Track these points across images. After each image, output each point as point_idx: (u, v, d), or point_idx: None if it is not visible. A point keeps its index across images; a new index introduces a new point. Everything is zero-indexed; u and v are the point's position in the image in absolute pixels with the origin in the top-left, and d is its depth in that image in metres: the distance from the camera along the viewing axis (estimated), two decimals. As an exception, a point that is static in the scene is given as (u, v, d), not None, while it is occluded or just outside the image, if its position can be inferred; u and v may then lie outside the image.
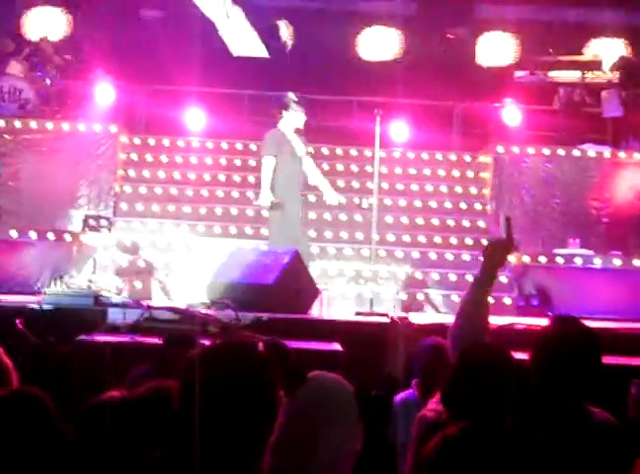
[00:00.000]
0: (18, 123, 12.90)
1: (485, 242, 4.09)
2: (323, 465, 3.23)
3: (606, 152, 13.28)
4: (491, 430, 2.62)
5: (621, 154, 13.23)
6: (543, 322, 4.17)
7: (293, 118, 10.32)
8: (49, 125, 12.98)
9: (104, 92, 13.48)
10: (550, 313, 10.24)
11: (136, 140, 13.96)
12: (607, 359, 6.45)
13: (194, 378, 2.81)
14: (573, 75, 13.90)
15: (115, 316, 7.86)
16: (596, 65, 13.85)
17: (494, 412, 3.15)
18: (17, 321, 7.26)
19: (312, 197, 13.02)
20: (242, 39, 10.51)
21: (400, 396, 5.58)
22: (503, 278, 11.66)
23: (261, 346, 3.10)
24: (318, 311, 9.65)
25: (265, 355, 3.02)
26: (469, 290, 3.88)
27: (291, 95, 10.35)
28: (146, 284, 11.16)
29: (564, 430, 3.60)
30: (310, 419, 3.30)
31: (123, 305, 8.00)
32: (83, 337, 7.19)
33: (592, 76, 13.79)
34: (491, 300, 3.98)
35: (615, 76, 13.71)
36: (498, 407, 3.19)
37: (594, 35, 15.26)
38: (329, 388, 3.40)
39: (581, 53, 14.01)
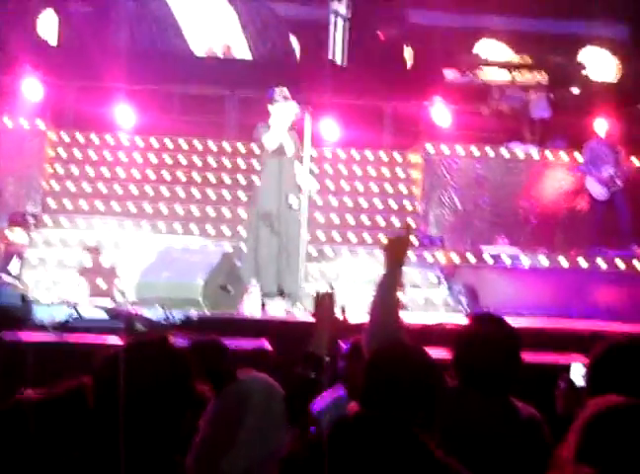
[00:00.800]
0: (-58, 119, 12.71)
1: (384, 240, 4.14)
2: (241, 464, 3.22)
3: (534, 152, 13.43)
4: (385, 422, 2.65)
5: (548, 154, 13.39)
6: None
7: (281, 113, 10.09)
8: (-25, 121, 12.79)
9: (31, 87, 13.29)
10: (473, 312, 10.32)
11: (65, 136, 13.78)
12: (535, 357, 6.55)
13: (106, 375, 2.79)
14: (503, 76, 14.04)
15: (42, 315, 7.77)
16: (524, 67, 14.01)
17: (405, 411, 3.16)
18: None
19: (243, 196, 13.03)
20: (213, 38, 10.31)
21: (326, 397, 5.52)
22: (432, 277, 11.76)
23: (178, 341, 3.09)
24: (249, 309, 9.60)
25: (179, 350, 3.00)
26: (377, 289, 3.89)
27: (278, 89, 10.10)
28: (109, 284, 11.02)
29: (492, 424, 3.63)
30: (234, 417, 3.29)
31: (50, 303, 7.91)
32: (7, 334, 7.09)
33: (521, 78, 13.93)
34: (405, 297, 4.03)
35: (544, 78, 13.87)
36: (411, 407, 3.20)
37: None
38: (256, 389, 3.39)
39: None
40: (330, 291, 4.01)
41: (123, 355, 2.83)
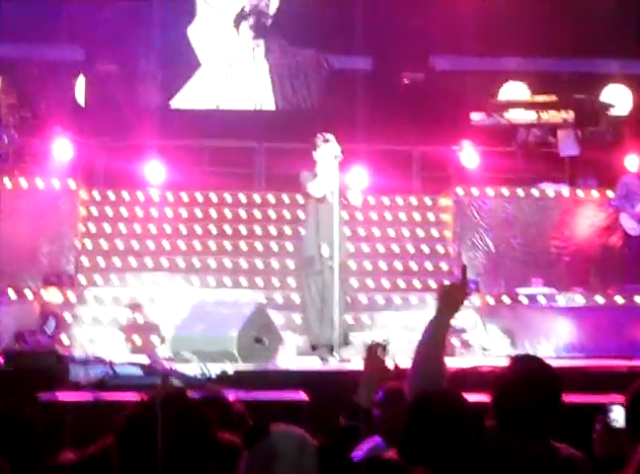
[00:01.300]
0: (-25, 182, 12.83)
1: (439, 285, 4.05)
2: None
3: (565, 191, 13.39)
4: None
5: (579, 192, 13.34)
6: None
7: (323, 157, 10.19)
8: (7, 183, 12.89)
9: (61, 148, 13.43)
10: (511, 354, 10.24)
11: (96, 195, 13.88)
12: (573, 397, 6.48)
13: (126, 433, 2.79)
14: (529, 116, 14.03)
15: (77, 373, 7.78)
16: (550, 105, 13.99)
17: (448, 459, 3.13)
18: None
19: (275, 247, 13.06)
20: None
21: (364, 447, 5.48)
22: (468, 320, 11.69)
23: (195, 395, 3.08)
24: (285, 360, 9.59)
25: (196, 402, 2.99)
26: (425, 334, 3.86)
27: (320, 134, 10.19)
28: (147, 340, 11.06)
29: (532, 467, 3.58)
30: (263, 471, 3.26)
31: (85, 362, 7.92)
32: (45, 395, 7.10)
33: (547, 116, 13.92)
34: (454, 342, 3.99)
35: (570, 116, 13.85)
36: (452, 454, 3.16)
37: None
38: (288, 442, 3.36)
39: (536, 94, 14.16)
40: (383, 342, 3.99)
41: (141, 412, 2.83)
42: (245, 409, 4.69)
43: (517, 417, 3.73)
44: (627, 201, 12.35)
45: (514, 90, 14.93)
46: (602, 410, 4.20)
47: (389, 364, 4.07)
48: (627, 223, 12.36)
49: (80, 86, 15.55)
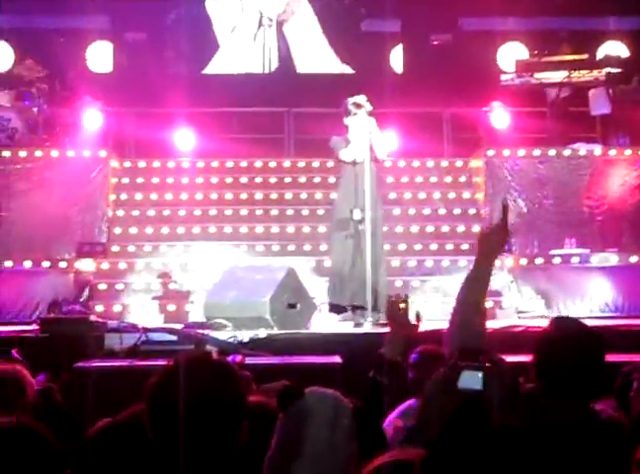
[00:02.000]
0: (7, 153, 12.87)
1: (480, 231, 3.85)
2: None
3: (597, 150, 13.27)
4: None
5: (612, 151, 13.22)
6: (542, 324, 4.11)
7: (356, 123, 10.13)
8: (38, 154, 12.94)
9: (91, 118, 13.47)
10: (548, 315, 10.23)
11: (127, 164, 13.93)
12: (608, 357, 6.44)
13: (157, 398, 2.80)
14: (559, 75, 13.89)
15: (112, 341, 7.84)
16: (581, 64, 13.84)
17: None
18: (13, 351, 7.22)
19: (305, 212, 13.06)
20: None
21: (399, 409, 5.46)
22: (502, 282, 11.65)
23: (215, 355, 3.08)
24: (318, 324, 9.60)
25: (225, 363, 2.99)
26: (465, 283, 3.73)
27: (351, 99, 10.16)
28: (180, 308, 11.12)
29: (571, 431, 3.54)
30: (301, 434, 3.26)
31: (119, 330, 7.97)
32: (81, 364, 7.15)
33: (577, 75, 13.77)
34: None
35: (601, 74, 13.69)
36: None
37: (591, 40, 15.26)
38: (323, 403, 3.35)
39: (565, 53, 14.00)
40: (404, 298, 3.97)
41: (165, 376, 2.83)
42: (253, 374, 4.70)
43: (558, 378, 3.69)
44: None
45: (545, 48, 14.79)
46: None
47: (412, 319, 4.04)
48: None
49: (105, 53, 15.58)
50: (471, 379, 2.96)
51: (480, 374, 2.97)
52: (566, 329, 3.83)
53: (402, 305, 3.94)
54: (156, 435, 2.82)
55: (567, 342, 3.73)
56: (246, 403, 2.94)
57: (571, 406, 3.67)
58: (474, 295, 3.70)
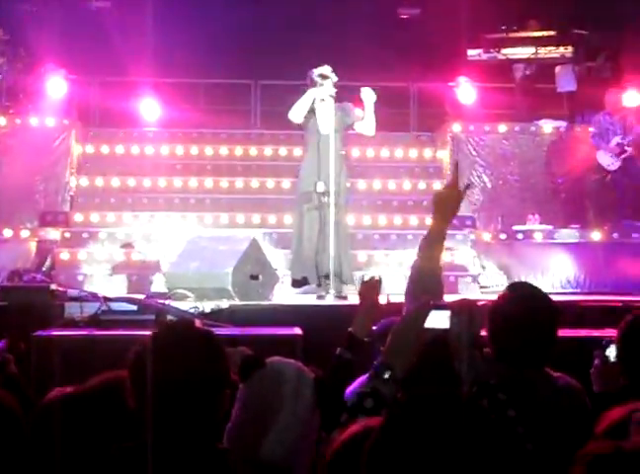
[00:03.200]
0: (-32, 120, 12.74)
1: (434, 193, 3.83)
2: (279, 450, 3.19)
3: (562, 127, 13.32)
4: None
5: (577, 128, 13.26)
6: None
7: (321, 94, 10.04)
8: (1, 121, 12.81)
9: (55, 85, 13.31)
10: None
11: (91, 133, 13.82)
12: (569, 332, 6.48)
13: (141, 367, 2.78)
14: (526, 51, 13.89)
15: (72, 310, 7.79)
16: (548, 41, 13.85)
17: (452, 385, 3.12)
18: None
19: (271, 184, 13.02)
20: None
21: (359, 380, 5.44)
22: (463, 256, 11.70)
23: (198, 323, 3.07)
24: (280, 296, 9.60)
25: (208, 332, 2.97)
26: (421, 244, 3.74)
27: (316, 70, 10.12)
28: (142, 278, 11.06)
29: (527, 395, 3.55)
30: (264, 404, 3.27)
31: (80, 299, 7.92)
32: (40, 332, 7.10)
33: (544, 52, 13.78)
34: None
35: (568, 51, 13.72)
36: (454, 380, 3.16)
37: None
38: (285, 374, 3.36)
39: (533, 29, 13.97)
40: (377, 278, 3.95)
41: (154, 343, 2.82)
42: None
43: (512, 346, 3.70)
44: (602, 138, 12.40)
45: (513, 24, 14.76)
46: (600, 345, 4.18)
47: (382, 300, 4.03)
48: (604, 160, 12.38)
49: (71, 21, 15.40)
50: (438, 318, 3.01)
51: (447, 313, 3.01)
52: (518, 293, 3.85)
53: (375, 286, 3.93)
54: (137, 404, 2.80)
55: (518, 304, 3.75)
56: (229, 372, 2.93)
57: (527, 372, 3.68)
58: (431, 253, 3.70)
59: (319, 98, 10.02)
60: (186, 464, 2.73)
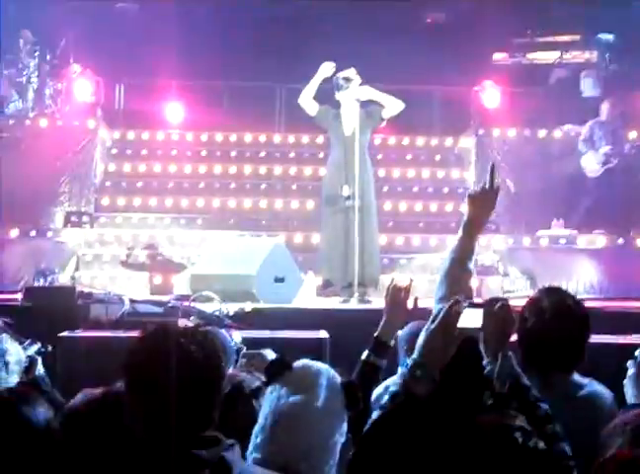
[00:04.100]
0: (-5, 122, 12.81)
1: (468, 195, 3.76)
2: (304, 453, 3.19)
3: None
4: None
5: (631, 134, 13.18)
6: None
7: (347, 97, 10.04)
8: (27, 123, 12.87)
9: (82, 87, 13.39)
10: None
11: (116, 134, 13.88)
12: (597, 338, 6.44)
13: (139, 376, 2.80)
14: (551, 56, 13.86)
15: (97, 312, 7.82)
16: (574, 45, 13.81)
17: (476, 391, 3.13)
18: (-2, 319, 7.18)
19: (294, 187, 13.04)
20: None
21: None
22: (487, 261, 11.67)
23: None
24: (305, 299, 9.59)
25: (197, 333, 2.98)
26: (453, 249, 3.72)
27: (340, 73, 10.12)
28: (166, 280, 11.11)
29: (552, 401, 3.54)
30: (292, 407, 3.26)
31: (105, 300, 7.95)
32: (66, 333, 7.13)
33: (570, 56, 13.74)
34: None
35: (593, 55, 13.67)
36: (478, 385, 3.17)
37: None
38: (313, 376, 3.36)
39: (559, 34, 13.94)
40: (408, 281, 3.93)
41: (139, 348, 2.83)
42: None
43: (541, 350, 3.68)
44: (590, 144, 12.49)
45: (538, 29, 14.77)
46: (633, 355, 4.11)
47: (409, 304, 4.02)
48: (588, 165, 12.46)
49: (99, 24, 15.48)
50: (472, 317, 3.03)
51: (480, 311, 3.02)
52: (552, 297, 3.83)
53: (403, 290, 3.91)
54: (134, 405, 2.81)
55: (552, 309, 3.73)
56: (221, 378, 2.93)
57: (555, 378, 3.67)
58: (463, 254, 3.69)
59: (344, 101, 10.01)
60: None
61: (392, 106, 10.11)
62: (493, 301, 3.15)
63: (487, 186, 3.79)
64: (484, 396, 3.09)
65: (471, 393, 3.05)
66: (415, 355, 2.99)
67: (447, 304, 3.03)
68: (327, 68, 9.97)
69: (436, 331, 2.98)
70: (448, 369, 2.98)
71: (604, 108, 12.67)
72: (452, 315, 2.98)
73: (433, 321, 3.02)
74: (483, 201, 3.72)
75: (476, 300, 3.19)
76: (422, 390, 2.91)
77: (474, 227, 3.72)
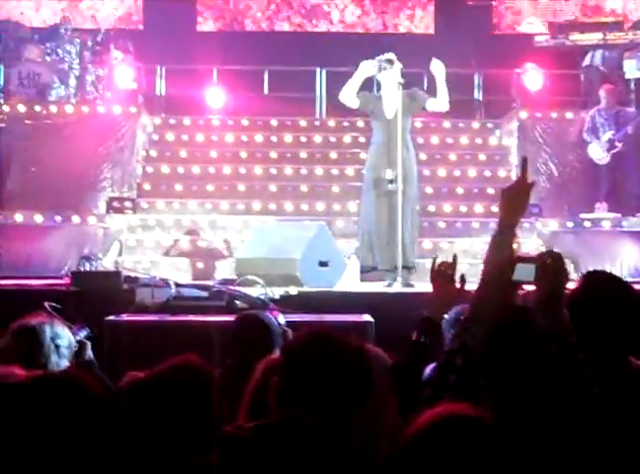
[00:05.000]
0: (38, 108, 12.86)
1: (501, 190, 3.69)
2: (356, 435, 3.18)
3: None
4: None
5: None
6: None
7: (386, 80, 9.99)
8: (69, 109, 12.94)
9: (122, 74, 13.44)
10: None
11: (157, 120, 13.93)
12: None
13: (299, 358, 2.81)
14: (594, 37, 13.72)
15: (143, 296, 7.86)
16: (617, 26, 13.66)
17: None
18: (45, 304, 7.22)
19: (335, 172, 13.02)
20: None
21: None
22: (531, 246, 11.60)
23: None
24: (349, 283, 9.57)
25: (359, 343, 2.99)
26: (490, 243, 3.66)
27: (382, 56, 10.09)
28: (210, 265, 11.15)
29: (608, 385, 3.49)
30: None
31: (151, 284, 7.98)
32: (112, 318, 7.17)
33: (613, 37, 13.60)
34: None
35: (637, 36, 13.52)
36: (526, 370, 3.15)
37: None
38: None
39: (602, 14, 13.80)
40: (452, 260, 3.89)
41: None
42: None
43: (595, 332, 3.63)
44: (593, 133, 12.49)
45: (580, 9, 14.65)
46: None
47: (456, 284, 3.98)
48: (595, 154, 12.47)
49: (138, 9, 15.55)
50: (525, 271, 3.10)
51: (533, 266, 3.09)
52: (598, 281, 3.78)
53: (449, 267, 3.87)
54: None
55: (598, 293, 3.68)
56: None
57: (608, 360, 3.62)
58: (499, 255, 3.63)
59: (386, 83, 9.97)
60: None
61: (441, 102, 10.06)
62: (545, 255, 3.14)
63: (520, 179, 3.71)
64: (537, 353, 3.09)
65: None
66: (469, 312, 3.00)
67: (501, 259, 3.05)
68: (368, 67, 9.91)
69: (489, 285, 3.00)
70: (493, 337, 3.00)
71: (602, 94, 12.65)
72: (505, 269, 2.99)
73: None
74: (516, 197, 3.64)
75: (527, 255, 3.21)
76: (476, 343, 2.93)
77: (507, 226, 3.63)
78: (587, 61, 13.69)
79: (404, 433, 2.89)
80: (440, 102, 10.03)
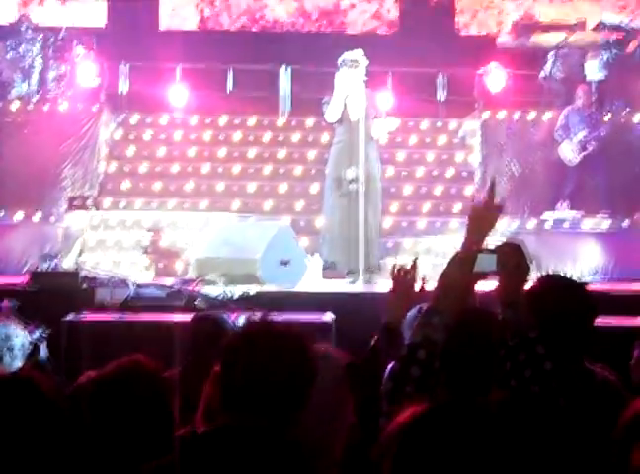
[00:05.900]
0: (-3, 105, 12.77)
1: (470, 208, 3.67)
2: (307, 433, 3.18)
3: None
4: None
5: (606, 117, 13.15)
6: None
7: (346, 79, 10.06)
8: (30, 107, 12.84)
9: (85, 71, 13.34)
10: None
11: (119, 118, 13.84)
12: (602, 321, 6.42)
13: (236, 359, 2.77)
14: (556, 38, 13.78)
15: (102, 295, 7.82)
16: (579, 27, 13.73)
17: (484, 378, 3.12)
18: (4, 302, 7.18)
19: (298, 171, 13.01)
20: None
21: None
22: (490, 244, 11.62)
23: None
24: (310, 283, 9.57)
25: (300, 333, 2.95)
26: (454, 261, 3.64)
27: (348, 54, 10.09)
28: (170, 264, 11.10)
29: (568, 392, 3.50)
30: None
31: (110, 284, 7.94)
32: (70, 317, 7.13)
33: (574, 39, 13.66)
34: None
35: (599, 38, 13.60)
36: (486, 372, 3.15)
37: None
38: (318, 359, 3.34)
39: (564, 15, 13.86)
40: (412, 263, 3.88)
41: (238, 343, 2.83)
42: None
43: (546, 338, 3.64)
44: (565, 133, 12.55)
45: (543, 10, 14.71)
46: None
47: (416, 286, 3.98)
48: (565, 154, 12.50)
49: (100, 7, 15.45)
50: (486, 261, 3.11)
51: (494, 256, 3.10)
52: (553, 285, 3.78)
53: (409, 272, 3.87)
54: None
55: (552, 296, 3.68)
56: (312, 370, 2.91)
57: (564, 366, 3.63)
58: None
59: (349, 83, 9.98)
60: None
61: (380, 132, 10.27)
62: (505, 245, 3.16)
63: (488, 201, 3.68)
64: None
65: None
66: (430, 303, 3.00)
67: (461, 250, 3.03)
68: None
69: (450, 276, 3.01)
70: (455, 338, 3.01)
71: (579, 93, 12.71)
72: (467, 260, 3.00)
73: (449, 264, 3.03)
74: (483, 219, 3.61)
75: (490, 246, 3.21)
76: (439, 337, 2.93)
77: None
78: (543, 74, 13.69)
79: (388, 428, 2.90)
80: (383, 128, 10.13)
